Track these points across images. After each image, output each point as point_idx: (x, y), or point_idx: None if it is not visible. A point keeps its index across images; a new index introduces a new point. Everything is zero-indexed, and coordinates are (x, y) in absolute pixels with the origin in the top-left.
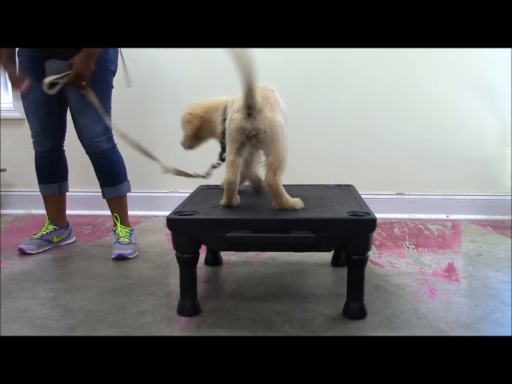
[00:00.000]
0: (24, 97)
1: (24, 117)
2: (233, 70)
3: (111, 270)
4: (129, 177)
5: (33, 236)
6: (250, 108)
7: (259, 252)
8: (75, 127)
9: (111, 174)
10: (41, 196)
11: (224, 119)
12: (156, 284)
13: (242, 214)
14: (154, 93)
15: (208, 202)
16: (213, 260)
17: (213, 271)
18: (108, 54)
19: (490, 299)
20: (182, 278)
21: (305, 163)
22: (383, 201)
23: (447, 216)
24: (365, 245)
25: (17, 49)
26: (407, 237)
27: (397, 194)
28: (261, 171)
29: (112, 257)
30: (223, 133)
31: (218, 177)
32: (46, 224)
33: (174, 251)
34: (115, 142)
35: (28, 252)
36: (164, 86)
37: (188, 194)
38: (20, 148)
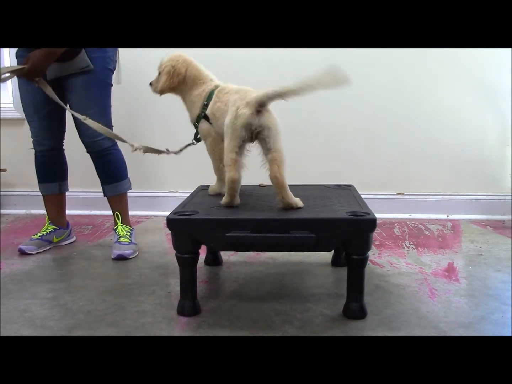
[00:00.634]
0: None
1: (24, 117)
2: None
3: (111, 270)
4: (129, 177)
5: (33, 236)
6: (261, 106)
7: (259, 252)
8: (76, 126)
9: (111, 171)
10: (41, 196)
11: (206, 105)
12: (156, 284)
13: (242, 214)
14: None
15: (208, 202)
16: (213, 260)
17: (213, 271)
18: (106, 52)
19: (490, 299)
20: (182, 278)
21: (305, 163)
22: (383, 201)
23: (447, 216)
24: (365, 245)
25: (15, 49)
26: (407, 237)
27: (397, 194)
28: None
29: (112, 257)
30: (198, 117)
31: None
32: (46, 224)
33: (174, 251)
34: (115, 140)
35: (28, 252)
36: None
37: (188, 194)
38: (20, 148)
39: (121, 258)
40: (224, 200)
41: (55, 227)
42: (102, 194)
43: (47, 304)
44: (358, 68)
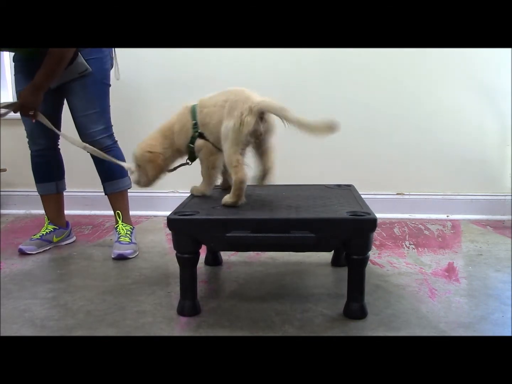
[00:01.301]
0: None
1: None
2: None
3: (111, 270)
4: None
5: (32, 237)
6: (264, 112)
7: (259, 252)
8: (76, 127)
9: (111, 169)
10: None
11: (195, 123)
12: (156, 284)
13: (242, 214)
14: (148, 91)
15: (208, 202)
16: (213, 260)
17: (213, 271)
18: (102, 52)
19: (490, 299)
20: (182, 278)
21: (305, 163)
22: (383, 201)
23: (447, 216)
24: (365, 245)
25: (12, 53)
26: (407, 237)
27: (397, 194)
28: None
29: (112, 256)
30: (193, 138)
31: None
32: (45, 224)
33: (174, 251)
34: (115, 139)
35: (28, 252)
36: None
37: (188, 194)
38: (20, 148)
39: (121, 258)
40: (230, 200)
41: (54, 226)
42: (102, 194)
43: (47, 304)
44: (358, 68)
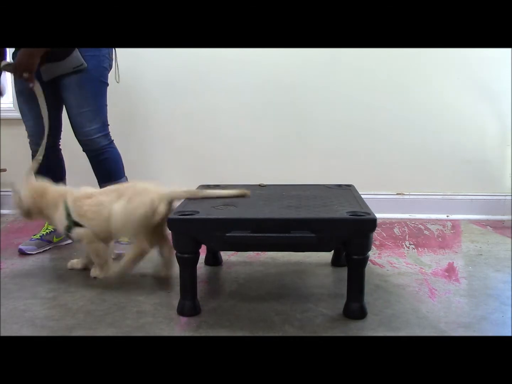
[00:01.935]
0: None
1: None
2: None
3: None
4: (128, 177)
5: (32, 237)
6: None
7: (259, 252)
8: (71, 125)
9: (109, 170)
10: None
11: (69, 214)
12: (156, 284)
13: (242, 214)
14: (148, 92)
15: (208, 202)
16: (213, 260)
17: (213, 271)
18: (100, 51)
19: (490, 299)
20: (182, 278)
21: (305, 163)
22: (383, 201)
23: (447, 216)
24: (365, 245)
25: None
26: (407, 237)
27: (397, 194)
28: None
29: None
30: (69, 227)
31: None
32: (45, 224)
33: (174, 251)
34: (112, 138)
35: (28, 252)
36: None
37: None
38: (20, 148)
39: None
40: (115, 272)
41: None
42: None
43: (47, 304)
44: (358, 68)
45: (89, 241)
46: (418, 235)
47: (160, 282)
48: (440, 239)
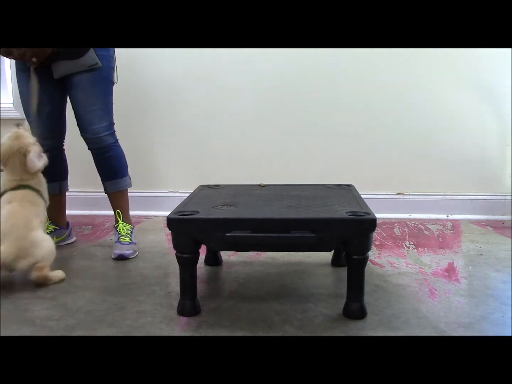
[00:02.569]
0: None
1: (24, 117)
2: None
3: (111, 270)
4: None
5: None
6: None
7: (259, 252)
8: (78, 123)
9: (113, 168)
10: None
11: None
12: (156, 284)
13: (242, 214)
14: (147, 92)
15: (208, 202)
16: (213, 260)
17: (213, 271)
18: (109, 51)
19: (490, 299)
20: (182, 278)
21: (305, 163)
22: (383, 201)
23: (447, 216)
24: (365, 245)
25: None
26: (407, 237)
27: (397, 194)
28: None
29: (113, 257)
30: None
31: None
32: (46, 224)
33: (174, 251)
34: (117, 137)
35: None
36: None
37: (188, 194)
38: None
39: (121, 258)
40: None
41: (55, 227)
42: (102, 194)
43: (47, 304)
44: (358, 68)
45: None
46: (418, 235)
47: (160, 282)
48: (440, 239)
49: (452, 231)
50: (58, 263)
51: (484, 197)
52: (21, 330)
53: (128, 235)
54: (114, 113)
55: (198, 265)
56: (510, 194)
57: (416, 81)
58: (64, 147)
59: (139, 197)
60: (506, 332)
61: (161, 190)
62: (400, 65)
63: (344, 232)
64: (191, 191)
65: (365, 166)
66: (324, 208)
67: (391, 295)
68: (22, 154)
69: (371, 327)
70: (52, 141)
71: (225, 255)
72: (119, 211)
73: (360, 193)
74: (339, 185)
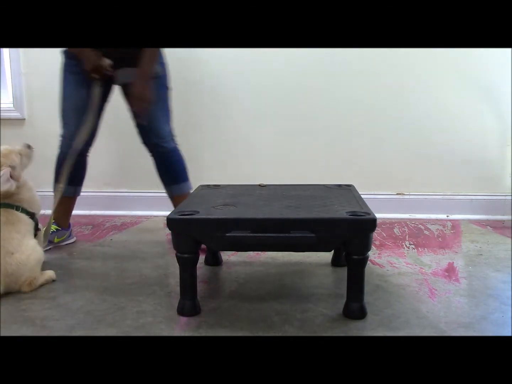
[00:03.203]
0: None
1: (24, 117)
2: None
3: (111, 270)
4: (128, 177)
5: None
6: None
7: (259, 252)
8: (141, 129)
9: (178, 171)
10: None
11: None
12: (156, 284)
13: (242, 214)
14: None
15: (208, 202)
16: (213, 260)
17: (213, 271)
18: (162, 58)
19: (490, 299)
20: (182, 278)
21: (305, 163)
22: (383, 201)
23: (447, 216)
24: (365, 245)
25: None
26: (407, 237)
27: (397, 194)
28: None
29: None
30: None
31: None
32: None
33: (174, 251)
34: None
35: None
36: None
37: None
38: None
39: None
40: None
41: (58, 227)
42: (102, 194)
43: (47, 304)
44: (358, 68)
45: None
46: (418, 235)
47: (160, 282)
48: (440, 239)
49: (452, 231)
50: (58, 263)
51: (484, 197)
52: (21, 330)
53: None
54: (112, 114)
55: (198, 265)
56: (510, 194)
57: (416, 81)
58: (88, 154)
59: (139, 197)
60: (506, 332)
61: (161, 190)
62: (400, 65)
63: (344, 232)
64: (191, 191)
65: (365, 166)
66: (324, 208)
67: (391, 295)
68: None
69: (371, 327)
70: (85, 147)
71: (225, 255)
72: None
73: (360, 193)
74: (339, 185)
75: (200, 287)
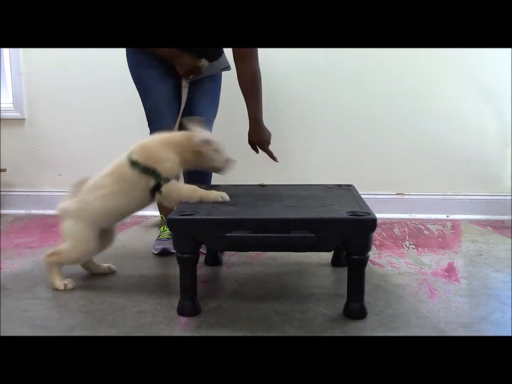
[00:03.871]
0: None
1: (24, 117)
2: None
3: None
4: None
5: (160, 237)
6: None
7: (259, 252)
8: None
9: (206, 178)
10: (41, 197)
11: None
12: (156, 284)
13: (242, 214)
14: None
15: (208, 202)
16: (213, 260)
17: (213, 271)
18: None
19: (490, 299)
20: (182, 278)
21: (305, 163)
22: (383, 201)
23: (447, 216)
24: (365, 245)
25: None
26: (407, 237)
27: (397, 194)
28: None
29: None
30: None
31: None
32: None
33: (174, 251)
34: None
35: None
36: None
37: None
38: (20, 148)
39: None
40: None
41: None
42: None
43: (47, 304)
44: (358, 68)
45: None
46: (418, 235)
47: (160, 282)
48: (440, 239)
49: (452, 231)
50: None
51: (484, 197)
52: (21, 330)
53: None
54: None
55: (198, 265)
56: (510, 194)
57: (416, 81)
58: None
59: None
60: (506, 332)
61: None
62: (400, 65)
63: (344, 232)
64: None
65: (365, 166)
66: (324, 208)
67: (391, 295)
68: None
69: (371, 327)
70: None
71: (225, 255)
72: None
73: (360, 193)
74: (339, 185)
75: (200, 287)
